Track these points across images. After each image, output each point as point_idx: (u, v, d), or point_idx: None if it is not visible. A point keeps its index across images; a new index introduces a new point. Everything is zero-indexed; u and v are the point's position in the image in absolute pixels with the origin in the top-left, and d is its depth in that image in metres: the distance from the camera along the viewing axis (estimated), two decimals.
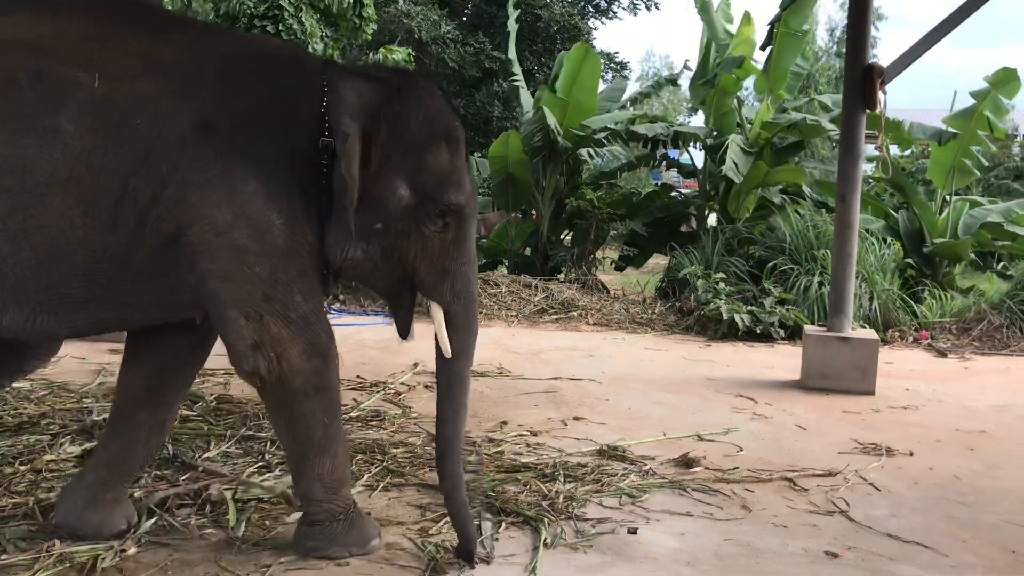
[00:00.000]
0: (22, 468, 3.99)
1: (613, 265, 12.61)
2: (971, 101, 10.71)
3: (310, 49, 10.64)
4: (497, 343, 8.37)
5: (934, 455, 5.04)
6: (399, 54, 11.48)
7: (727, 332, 8.94)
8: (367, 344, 8.07)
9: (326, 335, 3.13)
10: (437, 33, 15.81)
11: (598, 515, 3.85)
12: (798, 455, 4.94)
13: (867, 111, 6.67)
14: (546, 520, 3.69)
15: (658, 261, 12.85)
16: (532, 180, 11.46)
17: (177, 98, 2.85)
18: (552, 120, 10.67)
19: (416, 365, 6.94)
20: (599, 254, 12.22)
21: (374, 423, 5.20)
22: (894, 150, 13.75)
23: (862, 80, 6.52)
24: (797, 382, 6.86)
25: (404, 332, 3.45)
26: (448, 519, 3.47)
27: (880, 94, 6.54)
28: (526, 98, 12.00)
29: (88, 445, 4.31)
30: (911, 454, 5.02)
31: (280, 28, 10.43)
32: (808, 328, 7.37)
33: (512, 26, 12.17)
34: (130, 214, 2.79)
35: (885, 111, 6.85)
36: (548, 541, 3.53)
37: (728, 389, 6.64)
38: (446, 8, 16.32)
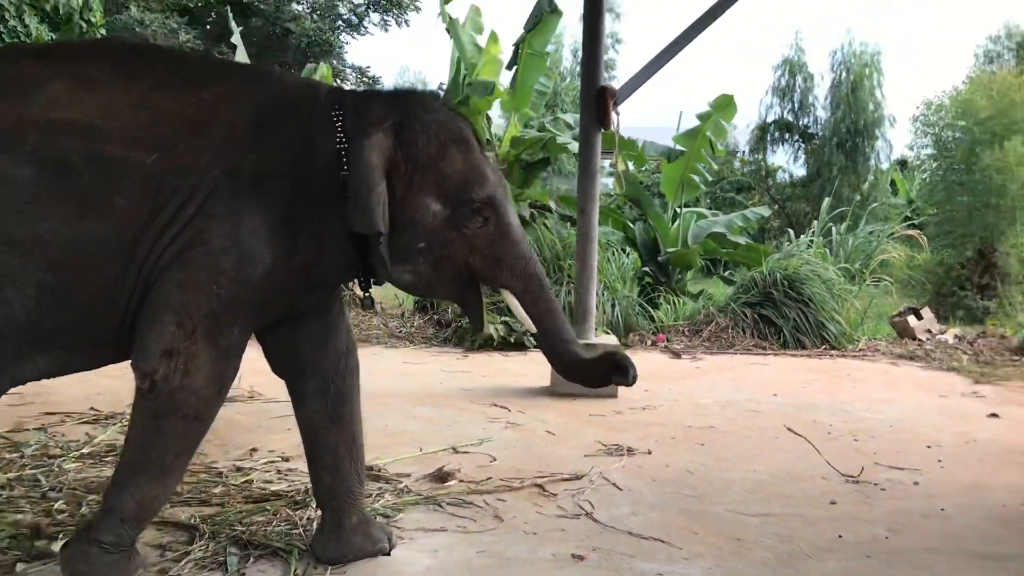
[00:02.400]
0: None
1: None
2: (696, 121, 11.70)
3: None
4: (249, 366, 8.02)
5: (670, 452, 5.41)
6: None
7: (483, 343, 9.17)
8: (104, 371, 7.45)
9: (233, 373, 3.17)
10: (176, 42, 15.02)
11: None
12: (548, 460, 5.13)
13: (602, 130, 7.07)
14: (296, 551, 3.58)
15: None
16: None
17: (213, 157, 2.97)
18: None
19: None
20: None
21: (109, 458, 4.82)
22: (631, 166, 14.74)
23: (596, 101, 6.91)
24: (547, 388, 7.14)
25: (479, 325, 3.48)
26: (190, 559, 3.29)
27: (613, 114, 6.96)
28: None
29: None
30: (650, 452, 5.36)
31: (2, 29, 9.49)
32: None
33: (237, 39, 11.72)
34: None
35: (619, 130, 7.30)
36: (299, 572, 3.43)
37: (483, 399, 6.79)
38: (187, 16, 15.53)
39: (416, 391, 7.09)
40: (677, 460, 5.24)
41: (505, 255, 3.28)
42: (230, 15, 11.90)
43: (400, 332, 9.81)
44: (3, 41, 9.57)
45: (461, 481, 4.61)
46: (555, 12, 10.91)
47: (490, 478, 4.67)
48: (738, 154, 27.69)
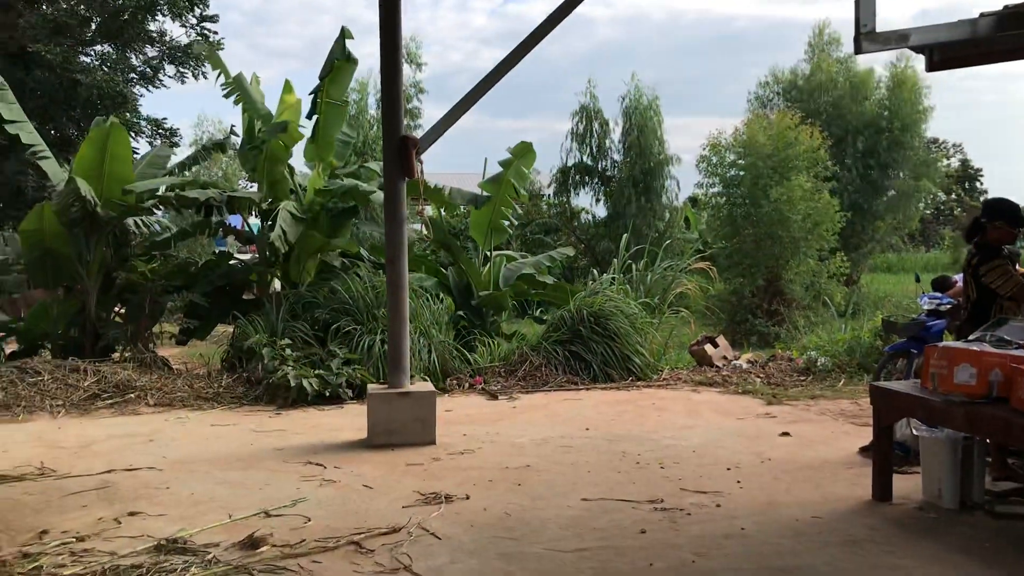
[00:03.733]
0: None
1: (173, 339, 11.94)
2: (500, 168, 12.03)
3: None
4: (39, 439, 7.48)
5: (488, 495, 5.46)
6: None
7: (296, 398, 8.93)
8: None
9: None
10: None
11: None
12: (365, 516, 5.05)
13: (407, 179, 7.13)
14: None
15: (223, 330, 12.45)
16: (74, 254, 10.48)
17: None
18: (87, 190, 9.88)
19: None
20: (157, 329, 11.51)
21: None
22: (443, 213, 14.92)
23: (399, 151, 6.97)
24: (364, 441, 7.04)
25: None
26: None
27: (417, 163, 7.04)
28: (53, 169, 10.95)
29: None
30: (467, 497, 5.39)
31: None
32: (372, 387, 7.61)
33: (2, 95, 10.91)
34: None
35: (424, 177, 7.38)
36: None
37: (297, 457, 6.61)
38: None
39: (225, 454, 6.79)
40: (495, 503, 5.29)
41: None
42: None
43: (207, 393, 9.37)
44: None
45: (273, 546, 4.46)
46: (349, 60, 10.90)
47: (304, 540, 4.55)
48: (544, 197, 28.61)
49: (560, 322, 10.69)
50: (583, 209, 27.58)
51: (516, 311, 12.75)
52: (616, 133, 26.37)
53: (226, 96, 11.28)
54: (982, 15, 5.34)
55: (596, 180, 26.76)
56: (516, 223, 13.31)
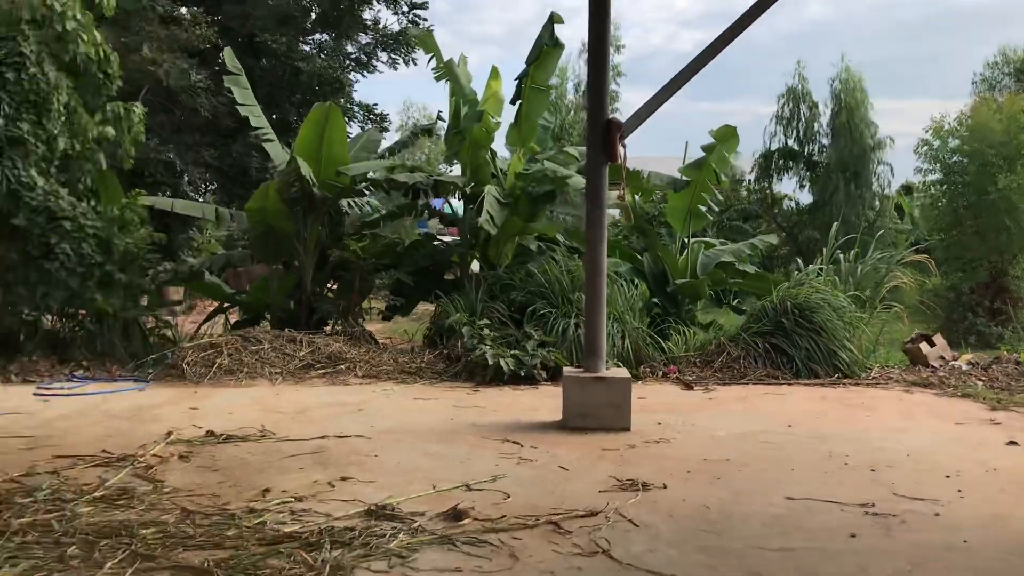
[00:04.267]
0: None
1: (380, 315, 12.53)
2: (701, 153, 11.75)
3: (55, 101, 9.86)
4: (261, 403, 8.06)
5: (686, 486, 5.36)
6: (137, 111, 10.88)
7: (493, 377, 9.14)
8: (114, 414, 7.50)
9: None
10: (187, 83, 15.17)
11: None
12: (562, 497, 5.08)
13: (609, 163, 7.09)
14: None
15: (425, 308, 12.93)
16: (293, 231, 11.20)
17: None
18: (307, 170, 10.51)
19: (170, 433, 6.53)
20: (365, 304, 12.11)
21: (121, 502, 4.79)
22: (628, 196, 14.77)
23: (603, 135, 6.94)
24: (559, 423, 7.10)
25: None
26: None
27: (620, 147, 6.98)
28: (276, 151, 11.73)
29: None
30: (665, 487, 5.31)
31: (22, 76, 9.61)
32: (567, 370, 7.66)
33: (233, 80, 11.75)
34: None
35: (626, 162, 7.31)
36: None
37: (495, 434, 6.75)
38: (196, 57, 15.71)
39: (428, 427, 7.05)
40: (693, 494, 5.19)
41: None
42: (230, 54, 12.01)
43: (410, 368, 9.77)
44: (23, 88, 9.66)
45: (475, 519, 4.57)
46: (556, 46, 10.99)
47: (504, 516, 4.63)
48: (744, 182, 27.78)
49: (761, 313, 10.33)
50: (785, 196, 26.59)
51: (712, 300, 12.42)
52: (825, 117, 25.24)
53: (437, 79, 11.66)
54: None
55: (801, 165, 25.72)
56: (716, 209, 12.93)
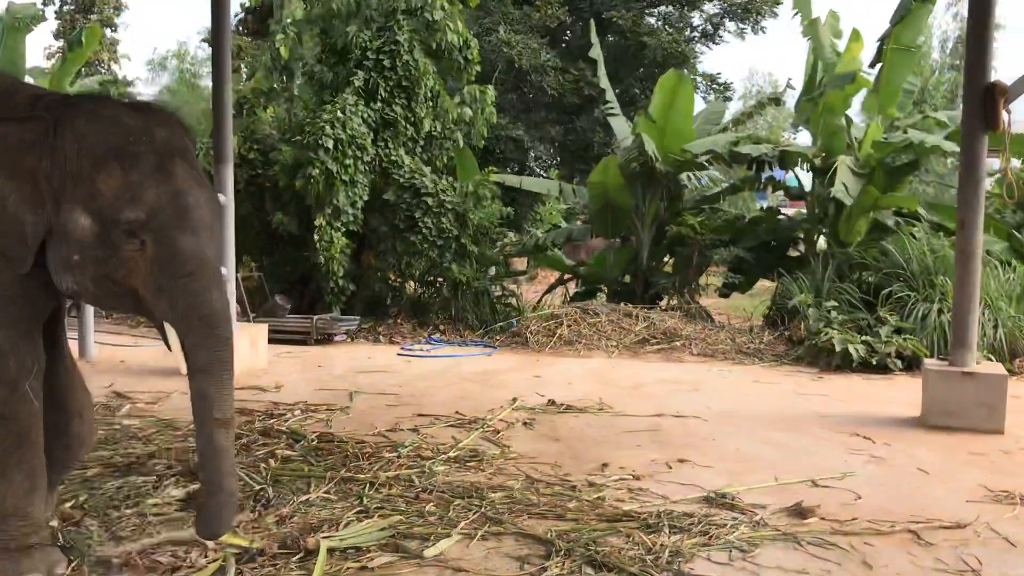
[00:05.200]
0: (128, 512, 4.05)
1: (717, 292, 12.28)
2: None
3: (422, 85, 10.80)
4: (597, 375, 8.23)
5: None
6: (489, 94, 11.54)
7: (840, 363, 8.56)
8: (465, 376, 8.04)
9: (17, 366, 3.15)
10: (537, 62, 15.83)
11: (706, 571, 3.64)
12: (922, 503, 4.60)
13: (989, 131, 6.26)
14: None
15: (764, 286, 12.47)
16: (631, 206, 11.29)
17: None
18: (651, 146, 10.50)
19: (515, 400, 6.86)
20: (702, 281, 11.93)
21: (472, 464, 5.10)
22: (1017, 165, 13.03)
23: (983, 100, 6.13)
24: (917, 419, 6.46)
25: (166, 343, 3.22)
26: (548, 574, 3.34)
27: (1004, 113, 6.14)
28: (620, 126, 11.86)
29: (193, 487, 4.34)
30: None
31: (397, 63, 10.64)
32: (928, 362, 6.95)
33: (597, 53, 12.05)
34: None
35: (1010, 130, 6.42)
36: None
37: (843, 427, 6.30)
38: (547, 37, 16.33)
39: (767, 413, 6.76)
40: None
41: (168, 285, 3.02)
42: (593, 30, 12.33)
43: (748, 348, 9.46)
44: (397, 73, 10.66)
45: (822, 519, 4.27)
46: (927, 1, 9.93)
47: (855, 518, 4.28)
48: None
49: None
50: None
51: None
52: None
53: (805, 36, 11.13)
54: None
55: None
56: None
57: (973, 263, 6.37)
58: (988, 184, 11.34)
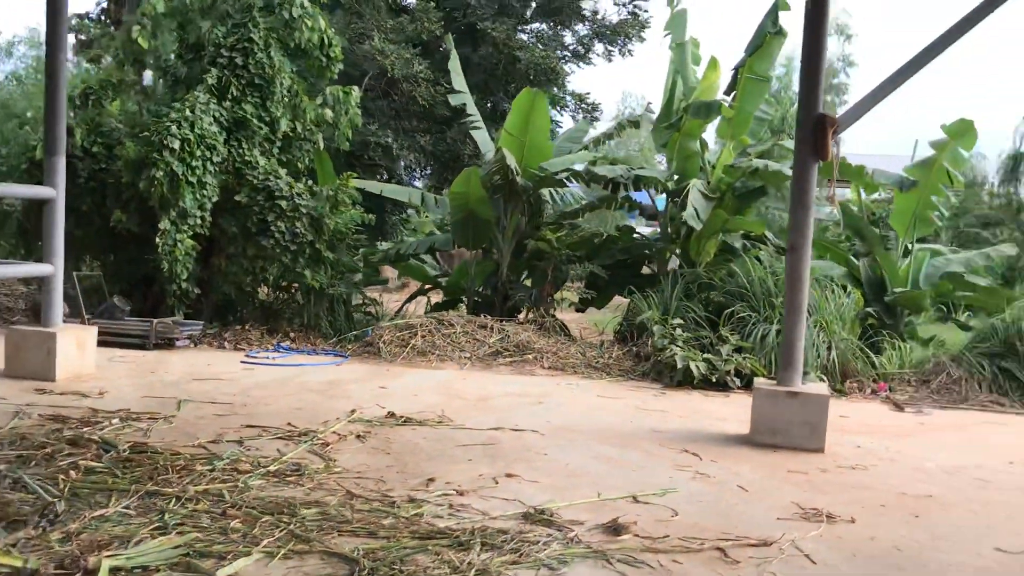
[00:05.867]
0: None
1: (572, 307, 12.41)
2: (931, 150, 10.71)
3: (278, 84, 10.48)
4: (446, 387, 8.15)
5: (877, 522, 4.83)
6: (354, 96, 11.32)
7: (682, 380, 8.77)
8: (308, 387, 7.82)
9: None
10: (409, 72, 15.69)
11: None
12: (736, 520, 4.71)
13: (821, 161, 6.53)
14: None
15: (622, 302, 12.68)
16: (493, 219, 11.28)
17: None
18: (511, 160, 10.53)
19: (353, 411, 6.70)
20: (561, 295, 12.03)
21: (292, 478, 4.92)
22: (852, 194, 13.75)
23: (813, 130, 6.39)
24: (746, 437, 6.66)
25: None
26: None
27: (832, 144, 6.41)
28: (483, 139, 11.86)
29: None
30: (853, 521, 4.80)
31: (250, 61, 10.27)
32: (758, 381, 7.17)
33: (455, 67, 12.02)
34: None
35: (838, 160, 6.71)
36: None
37: (675, 443, 6.43)
38: (419, 47, 16.21)
39: (605, 428, 6.83)
40: (885, 533, 4.65)
41: None
42: (451, 43, 12.27)
43: (597, 363, 9.58)
44: (250, 71, 10.30)
45: (636, 536, 4.31)
46: (779, 34, 10.31)
47: (667, 535, 4.33)
48: (986, 186, 25.37)
49: (991, 332, 9.32)
50: None
51: (937, 314, 11.32)
52: None
53: (672, 60, 11.40)
54: None
55: None
56: (946, 214, 11.77)
57: (802, 285, 6.61)
58: (829, 212, 11.95)
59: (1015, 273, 18.49)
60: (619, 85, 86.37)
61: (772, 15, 10.13)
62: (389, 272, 16.66)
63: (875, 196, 15.39)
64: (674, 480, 5.44)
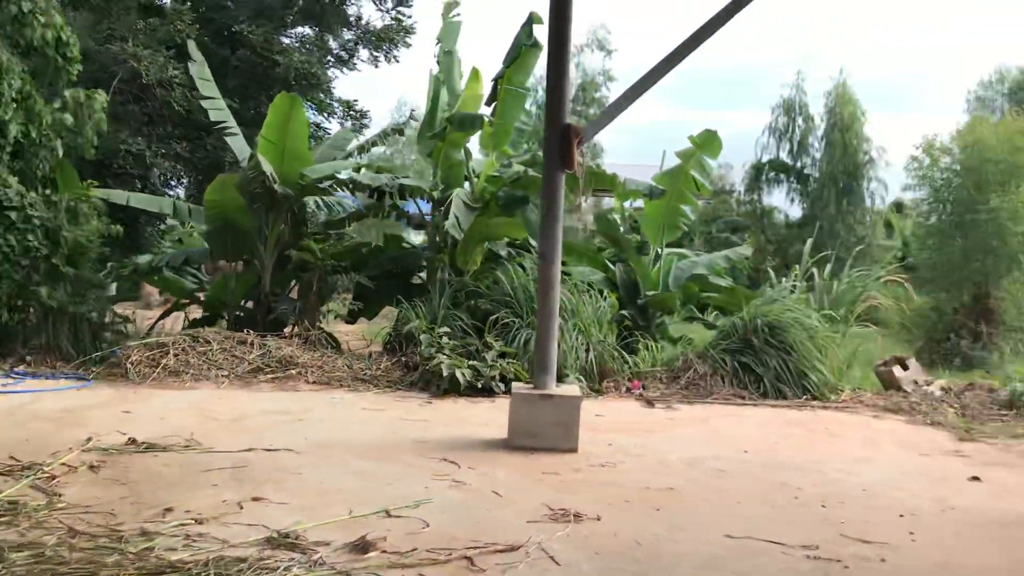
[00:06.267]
0: None
1: (340, 319, 12.16)
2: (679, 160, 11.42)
3: (5, 85, 9.51)
4: (198, 408, 7.71)
5: (622, 518, 5.02)
6: (99, 100, 10.53)
7: (448, 388, 8.80)
8: (40, 415, 7.15)
9: None
10: (164, 76, 14.80)
11: None
12: (487, 527, 4.74)
13: (567, 170, 6.75)
14: None
15: (394, 312, 12.58)
16: (254, 228, 10.84)
17: None
18: (268, 167, 10.15)
19: (89, 440, 6.18)
20: (330, 306, 11.74)
21: (6, 518, 4.44)
22: (616, 202, 14.44)
23: (560, 141, 6.60)
24: (505, 441, 6.75)
25: None
26: None
27: (578, 154, 6.65)
28: (240, 145, 11.35)
29: None
30: (599, 518, 4.96)
31: None
32: (516, 385, 7.32)
33: (201, 72, 11.47)
34: None
35: (584, 170, 6.98)
36: None
37: (435, 452, 6.41)
38: (172, 50, 15.32)
39: (365, 442, 6.71)
40: (627, 528, 4.84)
41: None
42: (192, 48, 11.66)
43: (365, 375, 9.43)
44: None
45: (384, 552, 4.22)
46: (535, 47, 10.62)
47: (415, 549, 4.28)
48: (733, 194, 27.50)
49: (731, 329, 10.02)
50: (775, 208, 26.30)
51: (691, 313, 12.08)
52: (819, 130, 24.98)
53: (439, 67, 11.39)
54: None
55: (792, 179, 25.45)
56: (693, 220, 12.60)
57: (553, 291, 6.80)
58: (588, 219, 12.47)
59: (760, 274, 20.16)
60: (398, 92, 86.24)
61: (527, 28, 10.44)
62: (151, 288, 15.65)
63: (639, 204, 16.24)
64: (430, 490, 5.41)
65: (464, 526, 4.74)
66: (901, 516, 5.30)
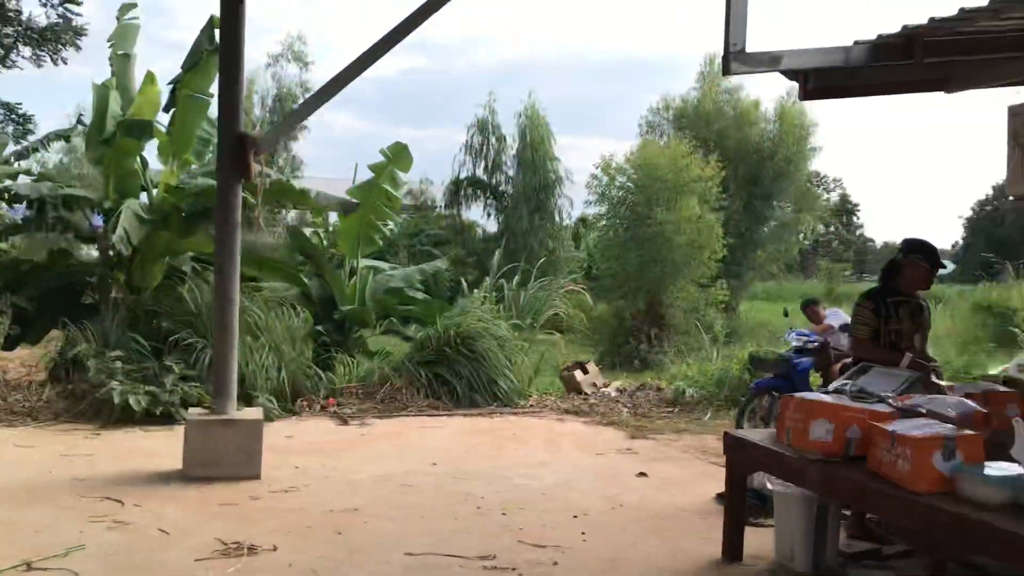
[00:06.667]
0: None
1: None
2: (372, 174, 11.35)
3: None
4: None
5: (300, 546, 4.80)
6: None
7: (121, 416, 8.06)
8: None
9: None
10: None
11: None
12: (147, 571, 4.32)
13: (244, 181, 6.42)
14: None
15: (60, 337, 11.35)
16: None
17: None
18: None
19: None
20: None
21: None
22: (315, 216, 14.10)
23: (236, 150, 6.26)
24: (180, 472, 6.27)
25: None
26: None
27: (255, 164, 6.34)
28: None
29: None
30: (275, 548, 4.71)
31: None
32: (191, 411, 6.85)
33: None
34: None
35: (262, 180, 6.67)
36: None
37: (96, 491, 5.79)
38: None
39: (12, 485, 5.92)
40: (305, 556, 4.63)
41: None
42: None
43: (21, 407, 8.40)
44: None
45: None
46: (216, 51, 10.06)
47: None
48: (435, 209, 28.01)
49: (426, 341, 10.11)
50: (475, 223, 27.13)
51: (391, 326, 12.03)
52: (513, 149, 26.08)
53: (113, 72, 10.45)
54: (856, 43, 5.04)
55: (488, 195, 26.39)
56: (391, 233, 12.60)
57: (231, 308, 6.44)
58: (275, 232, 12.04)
59: (458, 287, 20.67)
60: (79, 98, 79.05)
61: (208, 32, 9.84)
62: None
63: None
64: (85, 535, 4.85)
65: (121, 572, 4.30)
66: (575, 517, 5.55)
